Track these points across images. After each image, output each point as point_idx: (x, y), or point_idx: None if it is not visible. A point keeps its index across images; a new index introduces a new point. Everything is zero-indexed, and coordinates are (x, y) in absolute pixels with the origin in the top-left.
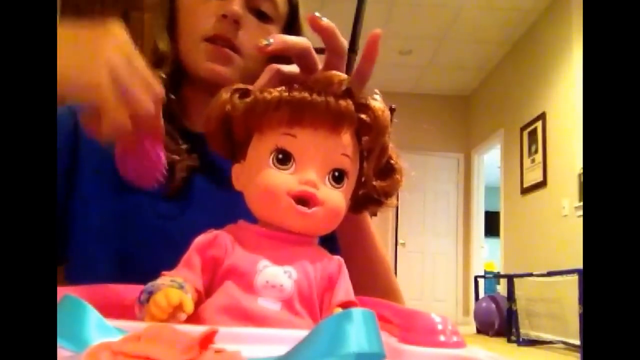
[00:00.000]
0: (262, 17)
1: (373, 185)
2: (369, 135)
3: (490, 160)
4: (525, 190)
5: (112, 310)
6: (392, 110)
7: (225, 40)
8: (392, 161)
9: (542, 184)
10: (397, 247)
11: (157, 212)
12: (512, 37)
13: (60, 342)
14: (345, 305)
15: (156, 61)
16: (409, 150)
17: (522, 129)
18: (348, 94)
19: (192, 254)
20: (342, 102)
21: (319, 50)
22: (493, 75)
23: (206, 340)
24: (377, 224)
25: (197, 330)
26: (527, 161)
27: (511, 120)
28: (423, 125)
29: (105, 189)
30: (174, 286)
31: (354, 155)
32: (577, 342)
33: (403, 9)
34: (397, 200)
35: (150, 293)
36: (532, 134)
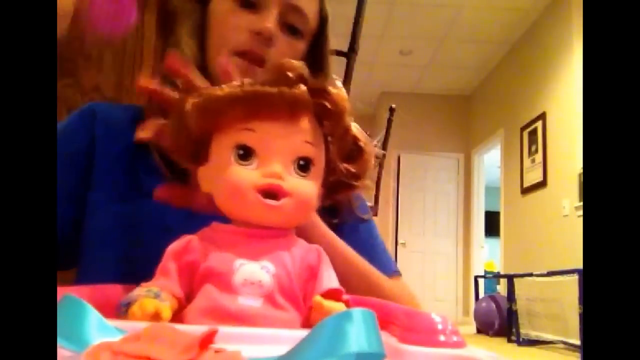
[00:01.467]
0: (293, 32)
1: (341, 170)
2: (329, 120)
3: (490, 160)
4: (525, 190)
5: (111, 310)
6: (392, 110)
7: (256, 56)
8: (359, 143)
9: (542, 184)
10: (397, 247)
11: (166, 218)
12: (512, 37)
13: (60, 342)
14: (330, 293)
15: None
16: (409, 150)
17: (522, 129)
18: (301, 80)
19: (167, 262)
20: (297, 90)
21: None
22: (493, 75)
23: (206, 340)
24: (377, 224)
25: (197, 330)
26: (527, 161)
27: (511, 120)
28: (422, 124)
29: (115, 192)
30: (150, 296)
31: (317, 141)
32: (577, 342)
33: (403, 9)
34: (397, 199)
35: (128, 305)
36: (532, 134)
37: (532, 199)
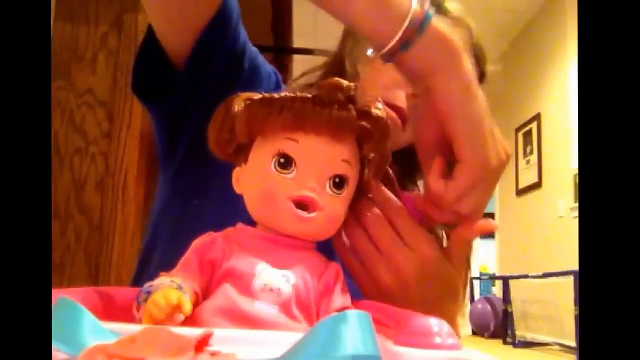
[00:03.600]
0: None
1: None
2: (370, 143)
3: None
4: (520, 192)
5: (106, 312)
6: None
7: (398, 110)
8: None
9: (537, 185)
10: None
11: None
12: (507, 37)
13: (55, 345)
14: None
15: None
16: None
17: (517, 130)
18: (351, 100)
19: (190, 256)
20: (345, 109)
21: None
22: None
23: (202, 343)
24: None
25: (193, 332)
26: (522, 162)
27: (506, 121)
28: None
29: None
30: (173, 287)
31: (354, 161)
32: (573, 343)
33: None
34: None
35: (149, 293)
36: (527, 135)
37: (527, 200)
